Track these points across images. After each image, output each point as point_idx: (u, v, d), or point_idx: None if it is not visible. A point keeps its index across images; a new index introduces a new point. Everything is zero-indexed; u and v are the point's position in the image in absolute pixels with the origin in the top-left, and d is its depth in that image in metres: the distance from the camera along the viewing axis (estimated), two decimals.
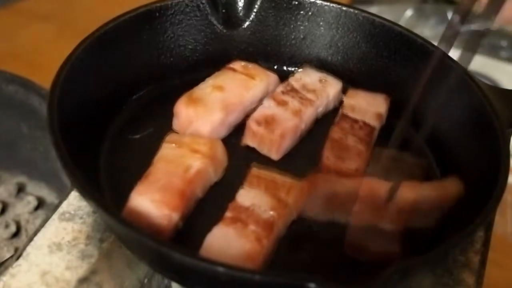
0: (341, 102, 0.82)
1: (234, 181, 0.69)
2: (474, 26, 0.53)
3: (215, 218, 0.63)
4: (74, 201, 0.70)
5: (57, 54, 0.71)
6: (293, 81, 0.81)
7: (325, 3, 0.87)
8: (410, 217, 0.64)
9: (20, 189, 1.11)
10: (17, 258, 0.64)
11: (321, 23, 0.88)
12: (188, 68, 0.84)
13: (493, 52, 1.53)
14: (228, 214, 0.63)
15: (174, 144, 0.69)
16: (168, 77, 0.83)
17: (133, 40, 0.80)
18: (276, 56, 0.89)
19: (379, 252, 0.63)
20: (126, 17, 0.79)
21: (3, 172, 1.13)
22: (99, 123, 0.74)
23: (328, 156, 0.72)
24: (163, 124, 0.75)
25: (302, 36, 0.89)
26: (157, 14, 0.82)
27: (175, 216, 0.63)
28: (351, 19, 0.87)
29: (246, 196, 0.65)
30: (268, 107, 0.76)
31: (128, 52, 0.79)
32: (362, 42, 0.86)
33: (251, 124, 0.74)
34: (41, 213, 1.08)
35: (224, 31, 0.87)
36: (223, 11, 0.86)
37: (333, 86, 0.82)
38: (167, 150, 0.68)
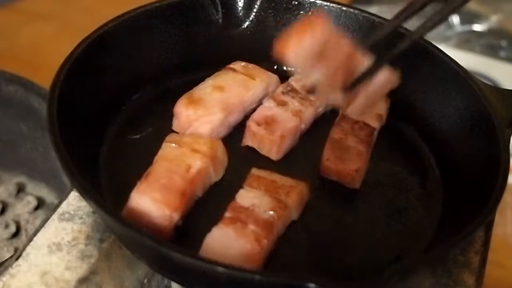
0: None
1: (234, 181, 0.70)
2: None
3: (215, 218, 0.63)
4: (74, 201, 0.70)
5: (57, 54, 0.71)
6: (293, 81, 0.81)
7: (325, 3, 0.87)
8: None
9: (20, 189, 1.11)
10: (17, 258, 0.64)
11: None
12: (188, 68, 0.84)
13: (493, 52, 1.53)
14: (227, 214, 0.63)
15: (174, 144, 0.69)
16: (168, 77, 0.83)
17: (133, 40, 0.80)
18: None
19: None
20: (126, 17, 0.79)
21: (3, 172, 1.12)
22: (99, 123, 0.74)
23: (329, 157, 0.72)
24: (163, 124, 0.75)
25: None
26: (157, 14, 0.82)
27: (175, 216, 0.63)
28: (351, 19, 0.86)
29: (246, 196, 0.65)
30: (268, 108, 0.76)
31: (128, 52, 0.79)
32: None
33: (251, 124, 0.74)
34: (41, 213, 1.08)
35: (224, 31, 0.87)
36: (223, 11, 0.86)
37: None
38: (168, 149, 0.68)
